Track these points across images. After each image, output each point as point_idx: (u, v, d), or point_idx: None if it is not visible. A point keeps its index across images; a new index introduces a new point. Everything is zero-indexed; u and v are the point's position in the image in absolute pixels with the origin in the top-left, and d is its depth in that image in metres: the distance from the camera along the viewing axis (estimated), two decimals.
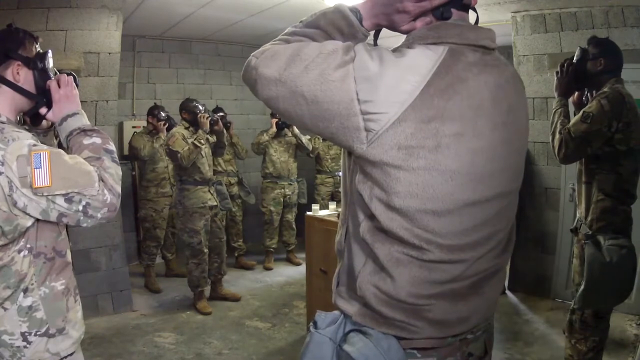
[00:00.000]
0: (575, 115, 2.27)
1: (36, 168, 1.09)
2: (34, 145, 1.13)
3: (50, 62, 1.34)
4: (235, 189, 4.95)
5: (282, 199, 4.96)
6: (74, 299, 1.31)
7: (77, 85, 1.37)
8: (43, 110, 1.32)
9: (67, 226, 1.29)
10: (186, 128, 3.76)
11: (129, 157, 4.64)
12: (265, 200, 4.96)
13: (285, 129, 4.91)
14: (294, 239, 5.16)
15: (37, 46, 1.33)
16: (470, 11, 0.96)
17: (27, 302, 1.19)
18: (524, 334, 3.30)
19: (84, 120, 1.31)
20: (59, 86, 1.31)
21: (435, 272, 0.88)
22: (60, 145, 1.37)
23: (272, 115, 4.94)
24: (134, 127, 4.84)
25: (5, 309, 1.17)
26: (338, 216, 2.38)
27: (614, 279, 2.07)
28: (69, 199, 1.12)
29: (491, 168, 0.89)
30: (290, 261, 5.15)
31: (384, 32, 1.01)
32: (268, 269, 4.95)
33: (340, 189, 1.07)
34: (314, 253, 3.17)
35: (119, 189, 1.21)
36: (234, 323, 3.59)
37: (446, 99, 0.83)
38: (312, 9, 1.07)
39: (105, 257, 3.61)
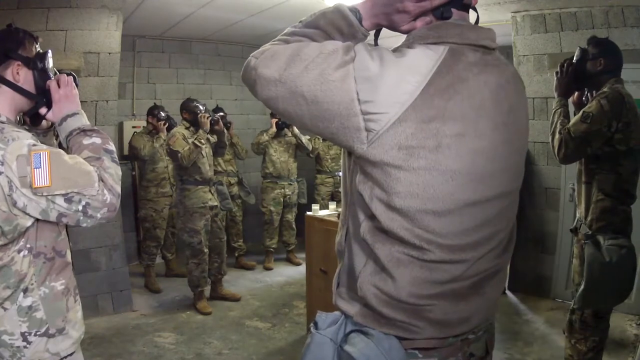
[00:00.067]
0: (575, 115, 2.27)
1: (36, 168, 1.09)
2: (34, 145, 1.13)
3: (50, 62, 1.34)
4: (235, 189, 4.94)
5: (282, 199, 4.96)
6: (73, 299, 1.31)
7: (76, 85, 1.37)
8: (43, 110, 1.32)
9: (67, 226, 1.29)
10: (187, 128, 3.76)
11: (129, 157, 4.64)
12: (265, 200, 4.96)
13: (285, 129, 4.91)
14: (294, 239, 5.15)
15: (37, 46, 1.33)
16: (471, 11, 0.96)
17: (27, 302, 1.19)
18: (524, 334, 3.30)
19: (83, 120, 1.31)
20: (59, 86, 1.31)
21: (436, 272, 0.88)
22: (60, 145, 1.37)
23: (272, 115, 4.93)
24: (134, 127, 4.84)
25: (5, 309, 1.17)
26: (338, 216, 2.38)
27: (613, 279, 2.07)
28: (68, 199, 1.12)
29: (492, 168, 0.89)
30: (290, 261, 5.15)
31: (384, 32, 1.00)
32: (268, 269, 4.95)
33: (341, 189, 1.06)
34: (314, 253, 3.17)
35: (118, 189, 1.21)
36: (234, 323, 3.59)
37: (446, 99, 0.82)
38: (312, 9, 1.06)
39: (105, 257, 3.61)
